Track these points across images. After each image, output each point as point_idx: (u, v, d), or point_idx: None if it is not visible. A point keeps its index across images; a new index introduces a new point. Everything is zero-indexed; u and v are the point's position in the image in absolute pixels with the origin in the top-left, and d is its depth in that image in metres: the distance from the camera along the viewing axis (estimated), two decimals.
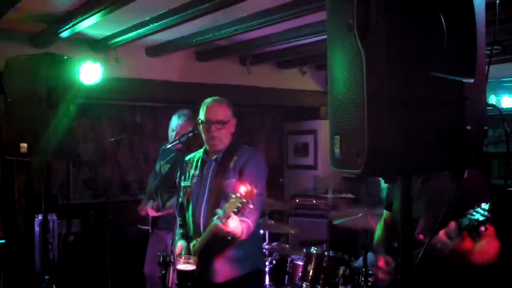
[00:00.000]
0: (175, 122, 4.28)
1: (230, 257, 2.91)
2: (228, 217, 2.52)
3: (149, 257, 4.45)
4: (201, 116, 3.00)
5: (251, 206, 2.53)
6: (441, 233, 2.08)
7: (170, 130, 4.33)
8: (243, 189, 2.49)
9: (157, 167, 4.35)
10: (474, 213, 1.99)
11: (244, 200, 2.47)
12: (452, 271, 2.29)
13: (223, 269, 2.90)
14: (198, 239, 2.89)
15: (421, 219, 2.33)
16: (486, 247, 2.22)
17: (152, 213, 4.20)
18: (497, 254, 2.27)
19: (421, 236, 2.20)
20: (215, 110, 2.98)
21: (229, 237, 2.72)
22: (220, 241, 2.81)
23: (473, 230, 2.00)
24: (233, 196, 2.52)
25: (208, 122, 2.96)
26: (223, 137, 2.99)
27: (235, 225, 2.59)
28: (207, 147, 3.06)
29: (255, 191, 2.48)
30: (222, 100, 3.05)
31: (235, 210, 2.50)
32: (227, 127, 3.00)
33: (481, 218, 1.96)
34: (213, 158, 3.03)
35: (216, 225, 2.57)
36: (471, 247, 2.08)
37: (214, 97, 3.07)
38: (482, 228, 1.98)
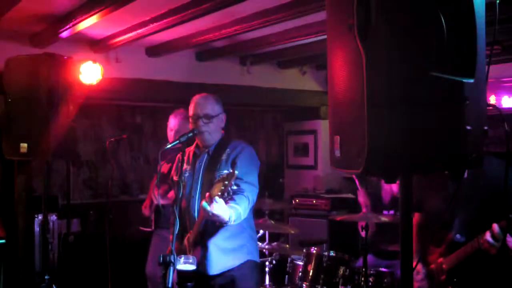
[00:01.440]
0: (172, 121, 4.30)
1: (223, 248, 2.95)
2: (213, 199, 2.58)
3: (151, 257, 4.44)
4: (190, 111, 3.07)
5: (235, 187, 2.61)
6: (488, 235, 2.13)
7: (168, 130, 4.34)
8: (225, 171, 2.63)
9: (158, 168, 4.34)
10: None
11: (226, 182, 2.55)
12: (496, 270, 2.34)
13: (217, 260, 2.93)
14: (192, 231, 2.93)
15: (457, 218, 2.36)
16: None
17: (156, 201, 4.16)
18: None
19: (457, 236, 2.23)
20: (201, 105, 3.03)
21: (217, 223, 2.76)
22: (211, 229, 2.87)
23: None
24: (216, 179, 2.65)
25: (195, 117, 3.02)
26: (212, 132, 3.03)
27: (222, 208, 2.62)
28: (198, 142, 3.10)
29: (236, 172, 2.56)
30: (209, 95, 3.11)
31: (220, 193, 2.56)
32: (215, 122, 3.04)
33: None
34: (205, 151, 3.06)
35: (203, 208, 2.62)
36: None
37: (201, 94, 3.13)
38: None
